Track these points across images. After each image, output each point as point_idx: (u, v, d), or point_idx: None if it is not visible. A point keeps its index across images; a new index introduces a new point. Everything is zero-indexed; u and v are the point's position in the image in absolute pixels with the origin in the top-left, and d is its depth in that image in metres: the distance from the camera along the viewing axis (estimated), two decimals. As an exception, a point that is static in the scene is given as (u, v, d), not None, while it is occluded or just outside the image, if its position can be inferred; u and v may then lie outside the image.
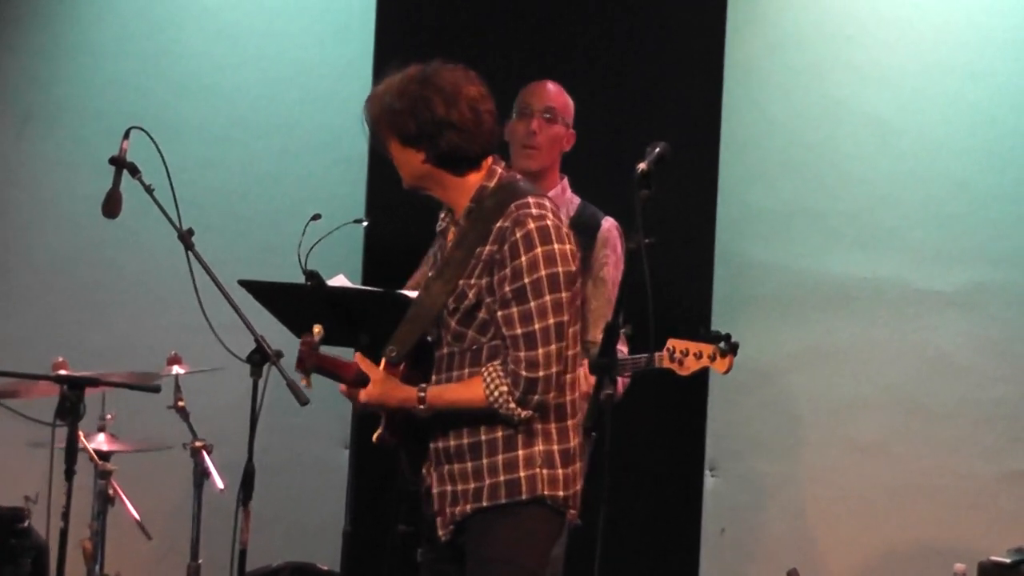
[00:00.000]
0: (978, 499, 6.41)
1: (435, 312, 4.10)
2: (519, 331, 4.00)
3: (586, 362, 4.80)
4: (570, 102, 5.53)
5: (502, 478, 4.04)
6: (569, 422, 4.11)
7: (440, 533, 4.14)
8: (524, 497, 4.04)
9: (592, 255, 5.41)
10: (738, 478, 6.60)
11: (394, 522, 5.64)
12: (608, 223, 5.46)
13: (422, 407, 4.07)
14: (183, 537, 5.78)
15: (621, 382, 5.29)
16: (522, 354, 3.99)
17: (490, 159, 4.13)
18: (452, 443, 4.10)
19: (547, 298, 4.00)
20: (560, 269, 4.02)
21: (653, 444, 6.57)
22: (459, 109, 4.05)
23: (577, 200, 5.49)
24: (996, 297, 6.46)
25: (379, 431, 4.20)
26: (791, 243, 6.61)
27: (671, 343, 5.19)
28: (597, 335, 5.20)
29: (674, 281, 6.05)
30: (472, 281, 4.06)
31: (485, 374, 4.02)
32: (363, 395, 4.13)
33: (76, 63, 7.03)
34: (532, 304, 4.00)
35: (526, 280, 4.00)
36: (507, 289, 4.01)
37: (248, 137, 6.97)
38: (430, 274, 4.20)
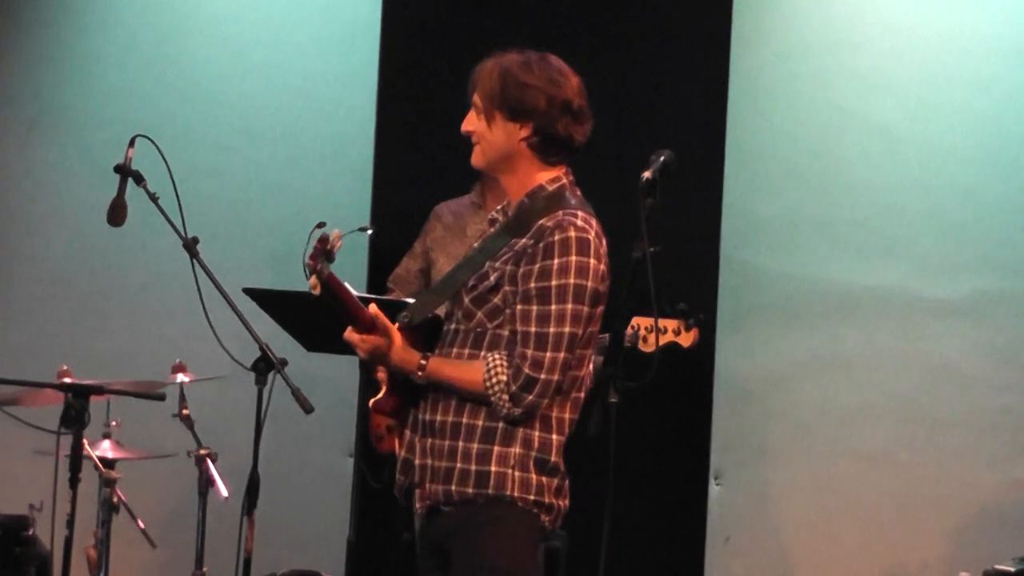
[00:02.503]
0: (983, 508, 6.40)
1: (456, 288, 4.14)
2: (533, 329, 4.01)
3: None
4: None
5: (473, 467, 4.05)
6: (554, 436, 4.10)
7: (417, 505, 4.17)
8: (490, 492, 4.04)
9: None
10: (743, 487, 6.59)
11: (399, 530, 5.65)
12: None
13: (420, 374, 4.09)
14: (187, 545, 5.77)
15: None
16: (530, 352, 4.00)
17: (564, 167, 4.19)
18: (439, 418, 4.11)
19: (568, 306, 4.02)
20: (589, 284, 4.04)
21: (658, 452, 6.57)
22: (579, 97, 4.16)
23: None
24: (1002, 306, 6.45)
25: (379, 396, 4.21)
26: (796, 251, 6.60)
27: (636, 321, 5.18)
28: None
29: (679, 290, 6.05)
30: (497, 264, 4.09)
31: (489, 359, 4.04)
32: (372, 342, 4.12)
33: (81, 71, 7.04)
34: (553, 307, 4.01)
35: (553, 282, 4.01)
36: (532, 285, 4.02)
37: (253, 146, 6.98)
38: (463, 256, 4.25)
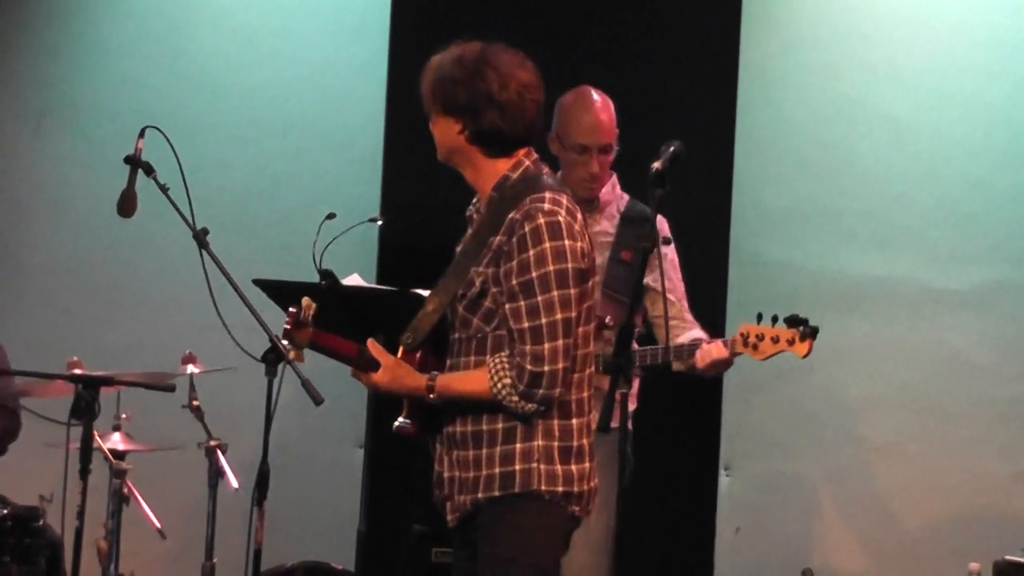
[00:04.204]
0: (993, 498, 6.40)
1: (449, 299, 4.13)
2: (526, 325, 4.01)
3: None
4: (614, 113, 5.43)
5: (497, 470, 4.05)
6: (574, 420, 4.10)
7: (448, 518, 4.17)
8: (517, 490, 4.04)
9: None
10: (753, 478, 6.59)
11: (409, 522, 5.65)
12: (661, 218, 5.47)
13: (432, 395, 4.09)
14: (198, 536, 5.78)
15: (635, 383, 5.26)
16: (528, 347, 4.00)
17: (523, 150, 4.15)
18: (459, 429, 4.12)
19: (555, 293, 4.00)
20: (569, 265, 4.02)
21: (668, 444, 6.57)
22: (508, 90, 4.09)
23: (626, 197, 5.46)
24: (1011, 296, 6.45)
25: (399, 420, 4.20)
26: (806, 242, 6.60)
27: (744, 328, 5.10)
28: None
29: (689, 280, 6.04)
30: (480, 269, 4.08)
31: (490, 365, 4.04)
32: (374, 380, 4.13)
33: (91, 62, 7.04)
34: (539, 298, 4.00)
35: (533, 274, 4.00)
36: (514, 282, 4.02)
37: (263, 136, 6.98)
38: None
